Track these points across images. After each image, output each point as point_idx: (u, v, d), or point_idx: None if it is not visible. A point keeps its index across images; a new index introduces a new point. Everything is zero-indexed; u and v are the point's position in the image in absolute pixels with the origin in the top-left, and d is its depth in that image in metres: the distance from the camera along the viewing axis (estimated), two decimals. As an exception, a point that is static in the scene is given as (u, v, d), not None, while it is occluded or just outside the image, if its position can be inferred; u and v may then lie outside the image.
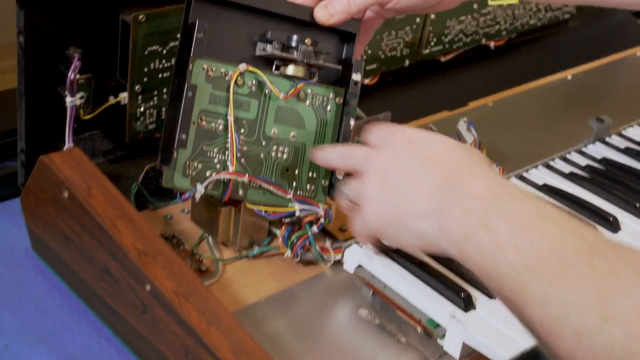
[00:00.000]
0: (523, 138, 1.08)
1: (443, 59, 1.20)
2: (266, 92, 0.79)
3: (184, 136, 0.75)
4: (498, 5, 0.90)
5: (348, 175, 0.75)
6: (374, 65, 1.11)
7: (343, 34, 0.83)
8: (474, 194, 0.62)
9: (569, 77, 1.25)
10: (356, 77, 0.81)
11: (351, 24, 0.81)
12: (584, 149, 0.99)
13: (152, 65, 0.87)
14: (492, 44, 1.26)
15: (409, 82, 1.18)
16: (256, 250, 0.83)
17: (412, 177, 0.66)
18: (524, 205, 0.60)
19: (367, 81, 1.12)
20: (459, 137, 0.98)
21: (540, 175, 0.93)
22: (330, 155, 0.76)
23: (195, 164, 0.76)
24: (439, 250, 0.65)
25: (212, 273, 0.80)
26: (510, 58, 1.29)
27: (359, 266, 0.79)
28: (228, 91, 0.77)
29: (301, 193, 0.81)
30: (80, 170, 0.75)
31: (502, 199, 0.61)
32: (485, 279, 0.60)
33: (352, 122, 0.82)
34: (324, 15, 0.79)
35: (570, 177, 0.93)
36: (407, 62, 1.15)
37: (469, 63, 1.24)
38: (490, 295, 0.74)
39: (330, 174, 0.82)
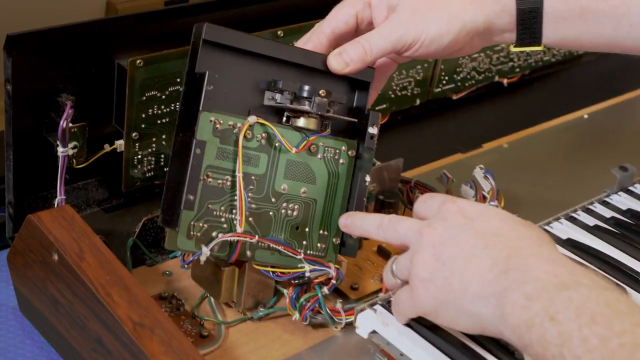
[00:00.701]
0: (540, 183, 1.03)
1: (455, 97, 1.16)
2: (276, 145, 0.74)
3: (191, 197, 0.69)
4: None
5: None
6: (384, 105, 1.06)
7: (355, 81, 0.77)
8: (536, 277, 0.57)
9: (585, 116, 1.20)
10: (372, 130, 0.76)
11: (365, 72, 0.76)
12: (608, 200, 0.93)
13: (150, 111, 0.82)
14: (505, 81, 1.21)
15: (420, 122, 1.13)
16: (262, 312, 0.77)
17: (468, 254, 0.61)
18: (592, 294, 0.56)
19: (379, 114, 1.07)
20: (476, 186, 0.93)
21: (563, 228, 0.88)
22: (371, 226, 0.71)
23: (201, 224, 0.71)
24: (497, 334, 0.60)
25: (214, 338, 0.74)
26: (523, 95, 1.25)
27: (373, 331, 0.73)
28: (236, 145, 0.72)
29: (311, 252, 0.76)
30: (71, 230, 0.69)
31: (567, 285, 0.57)
32: None
33: (367, 179, 0.76)
34: (338, 64, 0.74)
35: (595, 230, 0.88)
36: (417, 101, 1.10)
37: (482, 101, 1.20)
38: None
39: (343, 231, 0.76)
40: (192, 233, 0.70)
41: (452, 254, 0.62)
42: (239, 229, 0.71)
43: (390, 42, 0.74)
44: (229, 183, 0.72)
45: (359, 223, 0.73)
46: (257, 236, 0.72)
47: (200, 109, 0.69)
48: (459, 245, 0.62)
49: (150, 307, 0.65)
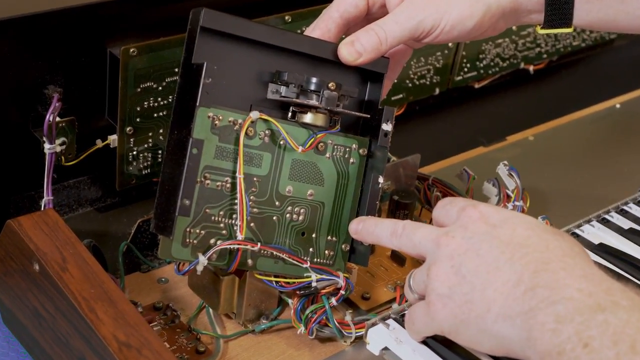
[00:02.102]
0: (569, 180, 0.97)
1: (477, 85, 1.09)
2: (280, 143, 0.67)
3: (187, 202, 0.63)
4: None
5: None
6: (400, 95, 0.99)
7: (367, 72, 0.70)
8: (568, 297, 0.51)
9: (618, 105, 1.13)
10: (387, 127, 0.69)
11: (379, 63, 0.69)
12: (643, 199, 0.86)
13: (145, 103, 0.76)
14: (531, 68, 1.14)
15: (440, 113, 1.07)
16: (264, 324, 0.71)
17: (491, 267, 0.55)
18: (632, 317, 0.50)
19: (394, 109, 1.00)
20: (499, 184, 0.86)
21: (595, 232, 0.81)
22: (384, 233, 0.64)
23: (197, 230, 0.64)
24: (525, 358, 0.54)
25: (211, 354, 0.68)
26: (551, 83, 1.19)
27: (385, 348, 0.67)
28: (237, 143, 0.65)
29: (319, 260, 0.69)
30: (54, 237, 0.63)
31: (603, 307, 0.50)
32: None
33: (380, 180, 0.70)
34: (350, 54, 0.67)
35: (630, 234, 0.81)
36: (437, 91, 1.03)
37: (506, 90, 1.14)
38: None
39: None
40: (188, 240, 0.64)
41: (473, 267, 0.56)
42: (240, 236, 0.65)
43: (408, 29, 0.67)
44: (228, 185, 0.65)
45: (372, 229, 0.66)
46: (259, 244, 0.66)
47: (197, 104, 0.63)
48: (481, 257, 0.56)
49: (138, 324, 0.59)
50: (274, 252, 0.67)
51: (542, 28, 0.71)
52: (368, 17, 0.71)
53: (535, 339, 0.53)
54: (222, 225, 0.65)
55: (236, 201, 0.65)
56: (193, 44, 0.64)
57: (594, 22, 0.71)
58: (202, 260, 0.64)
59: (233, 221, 0.66)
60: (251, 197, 0.67)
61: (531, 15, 0.71)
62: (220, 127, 0.64)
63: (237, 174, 0.65)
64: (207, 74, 0.62)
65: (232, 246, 0.65)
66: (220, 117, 0.64)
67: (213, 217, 0.65)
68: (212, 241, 0.65)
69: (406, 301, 0.70)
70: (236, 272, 0.69)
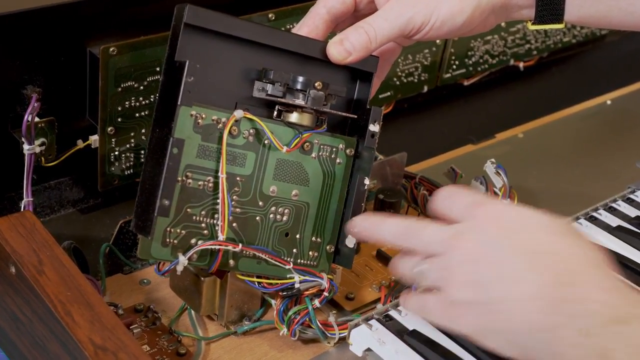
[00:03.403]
0: (559, 177, 0.96)
1: (466, 82, 1.08)
2: (265, 142, 0.66)
3: (166, 202, 0.62)
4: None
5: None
6: (388, 93, 0.98)
7: (356, 71, 0.70)
8: (592, 311, 0.50)
9: (608, 102, 1.12)
10: (374, 128, 0.68)
11: (368, 62, 0.68)
12: (632, 197, 0.85)
13: (127, 103, 0.75)
14: (521, 65, 1.13)
15: (428, 110, 1.06)
16: (246, 325, 0.70)
17: (510, 278, 0.53)
18: None
19: (382, 109, 0.99)
20: (486, 182, 0.85)
21: (583, 230, 0.80)
22: (389, 232, 0.61)
23: (178, 230, 0.63)
24: None
25: (192, 356, 0.67)
26: (541, 80, 1.17)
27: (368, 349, 0.66)
28: (220, 142, 0.64)
29: (302, 262, 0.68)
30: (31, 239, 0.62)
31: (625, 320, 0.50)
32: None
33: (366, 182, 0.69)
34: (339, 53, 0.66)
35: (618, 232, 0.80)
36: (425, 88, 1.02)
37: (496, 87, 1.12)
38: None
39: (337, 238, 0.69)
40: (168, 240, 0.63)
41: (491, 276, 0.54)
42: (221, 237, 0.64)
43: (397, 27, 0.66)
44: (211, 185, 0.64)
45: (375, 228, 0.63)
46: (240, 244, 0.65)
47: (179, 103, 0.62)
48: (499, 266, 0.53)
49: (115, 327, 0.58)
50: (256, 253, 0.66)
51: (532, 24, 0.70)
52: (356, 13, 0.70)
53: (558, 354, 0.52)
54: (203, 225, 0.65)
55: (218, 201, 0.64)
56: (176, 41, 0.63)
57: (585, 17, 0.70)
58: (182, 260, 0.63)
59: (215, 221, 0.65)
60: (234, 197, 0.66)
61: (522, 11, 0.70)
62: (203, 126, 0.63)
63: (219, 174, 0.64)
64: (189, 72, 0.61)
65: (213, 247, 0.64)
66: (204, 116, 0.63)
67: (194, 217, 0.64)
68: (193, 241, 0.64)
69: (394, 287, 0.68)
70: (218, 273, 0.68)
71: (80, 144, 0.75)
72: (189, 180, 0.64)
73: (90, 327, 0.58)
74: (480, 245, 0.54)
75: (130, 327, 0.67)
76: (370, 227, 0.64)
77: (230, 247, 0.64)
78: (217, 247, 0.64)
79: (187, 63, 0.61)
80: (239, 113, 0.65)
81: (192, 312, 0.71)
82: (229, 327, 0.70)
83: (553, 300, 0.52)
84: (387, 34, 0.66)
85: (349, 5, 0.69)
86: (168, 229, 0.63)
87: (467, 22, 0.68)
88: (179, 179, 0.63)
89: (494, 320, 0.54)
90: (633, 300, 0.52)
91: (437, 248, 0.57)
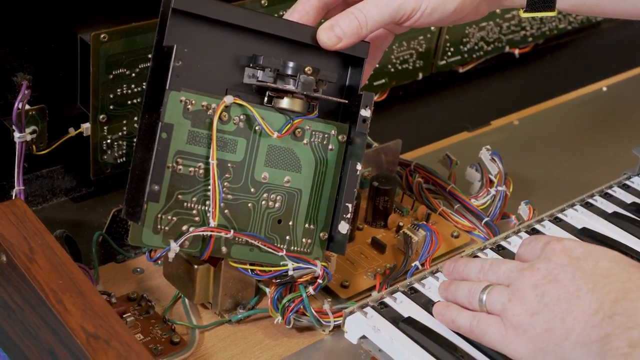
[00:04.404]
0: (554, 164, 0.95)
1: (461, 70, 1.08)
2: (256, 128, 0.66)
3: (156, 187, 0.61)
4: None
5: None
6: (383, 80, 0.98)
7: (347, 56, 0.69)
8: None
9: (604, 88, 1.12)
10: (365, 113, 0.68)
11: (359, 47, 0.68)
12: (628, 183, 0.85)
13: (118, 90, 0.74)
14: (516, 52, 1.13)
15: (423, 98, 1.06)
16: (241, 314, 0.70)
17: (573, 297, 0.57)
18: None
19: (375, 98, 0.98)
20: (481, 168, 0.84)
21: (578, 216, 0.79)
22: (473, 270, 0.65)
23: (169, 217, 0.63)
24: None
25: (186, 345, 0.67)
26: (537, 67, 1.17)
27: (363, 337, 0.66)
28: (210, 129, 0.63)
29: (295, 249, 0.68)
30: (22, 227, 0.62)
31: None
32: None
33: (358, 167, 0.68)
34: (329, 38, 0.66)
35: (614, 218, 0.79)
36: (420, 75, 1.02)
37: (491, 74, 1.12)
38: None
39: (330, 225, 0.69)
40: (159, 227, 0.63)
41: (555, 296, 0.57)
42: (213, 223, 0.64)
43: (388, 13, 0.66)
44: (201, 171, 0.64)
45: (462, 269, 0.66)
46: (232, 231, 0.64)
47: (167, 87, 0.61)
48: (563, 287, 0.58)
49: (107, 315, 0.58)
50: (249, 240, 0.66)
51: (524, 11, 0.70)
52: (347, 0, 0.70)
53: None
54: (194, 212, 0.64)
55: (209, 187, 0.64)
56: (165, 26, 0.62)
57: (577, 5, 0.70)
58: (174, 247, 0.63)
59: (206, 208, 0.64)
60: (225, 184, 0.65)
61: None
62: (192, 112, 0.63)
63: (210, 160, 0.64)
64: (177, 56, 0.61)
65: (204, 233, 0.64)
66: (193, 102, 0.63)
67: (185, 204, 0.64)
68: (184, 228, 0.64)
69: (389, 274, 0.68)
70: (211, 261, 0.68)
71: (72, 132, 0.75)
72: (180, 167, 0.63)
73: (82, 315, 0.57)
74: (548, 272, 0.59)
75: (124, 316, 0.67)
76: (457, 268, 0.66)
77: (222, 234, 0.64)
78: (209, 233, 0.64)
79: (175, 47, 0.60)
80: (229, 99, 0.64)
81: (186, 300, 0.70)
82: (223, 315, 0.70)
83: (609, 314, 0.55)
84: (378, 20, 0.66)
85: None
86: (159, 215, 0.63)
87: (458, 9, 0.67)
88: (169, 165, 0.62)
89: (551, 338, 0.57)
90: None
91: (511, 276, 0.61)
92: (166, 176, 0.62)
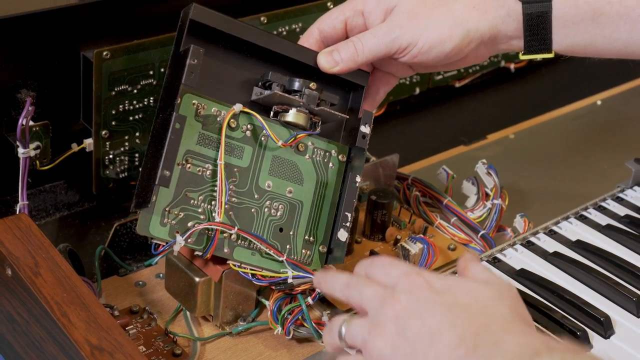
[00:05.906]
0: (550, 177, 0.97)
1: (458, 84, 1.09)
2: (262, 139, 0.69)
3: (167, 173, 0.63)
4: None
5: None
6: (381, 95, 0.99)
7: (349, 84, 0.73)
8: (509, 350, 0.53)
9: (599, 102, 1.13)
10: (365, 129, 0.71)
11: (359, 75, 0.72)
12: (622, 195, 0.86)
13: (120, 107, 0.75)
14: (512, 66, 1.14)
15: (420, 112, 1.07)
16: (241, 326, 0.71)
17: (434, 331, 0.55)
18: (566, 356, 0.53)
19: (373, 112, 1.00)
20: (478, 182, 0.86)
21: (573, 229, 0.81)
22: (339, 284, 0.63)
23: (176, 211, 0.65)
24: None
25: (188, 357, 0.68)
26: (532, 81, 1.18)
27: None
28: (219, 133, 0.67)
29: (296, 258, 0.69)
30: (26, 242, 0.63)
31: (540, 351, 0.53)
32: None
33: (357, 179, 0.70)
34: (328, 62, 0.70)
35: (607, 230, 0.80)
36: (417, 90, 1.03)
37: (487, 88, 1.13)
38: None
39: (330, 239, 0.70)
40: (166, 220, 0.65)
41: (417, 331, 0.56)
42: (217, 218, 0.66)
43: (384, 43, 0.70)
44: (209, 172, 0.67)
45: (329, 280, 0.64)
46: (236, 227, 0.66)
47: (183, 81, 0.64)
48: (424, 321, 0.56)
49: (111, 328, 0.59)
50: (252, 243, 0.67)
51: (523, 54, 0.72)
52: (349, 35, 0.73)
53: None
54: (200, 210, 0.66)
55: (216, 188, 0.67)
56: (182, 38, 0.66)
57: (573, 46, 0.72)
58: (180, 240, 0.65)
59: (212, 207, 0.67)
60: (231, 187, 0.67)
61: (511, 42, 0.72)
62: (203, 116, 0.66)
63: (218, 160, 0.66)
64: (193, 55, 0.64)
65: (209, 227, 0.66)
66: (205, 106, 0.66)
67: (192, 201, 0.66)
68: (190, 224, 0.66)
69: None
70: (212, 274, 0.69)
71: (75, 147, 0.76)
72: (189, 165, 0.66)
73: (86, 327, 0.58)
74: (409, 304, 0.57)
75: (126, 328, 0.68)
76: (325, 277, 0.64)
77: (226, 229, 0.66)
78: (214, 227, 0.66)
79: (191, 46, 0.64)
80: (238, 106, 0.68)
81: (188, 313, 0.71)
82: (224, 327, 0.71)
83: (472, 347, 0.54)
84: (374, 49, 0.70)
85: (339, 32, 0.73)
86: (167, 208, 0.65)
87: (456, 50, 0.70)
88: (180, 162, 0.65)
89: None
90: (548, 340, 0.54)
91: (372, 303, 0.59)
92: (176, 173, 0.65)
